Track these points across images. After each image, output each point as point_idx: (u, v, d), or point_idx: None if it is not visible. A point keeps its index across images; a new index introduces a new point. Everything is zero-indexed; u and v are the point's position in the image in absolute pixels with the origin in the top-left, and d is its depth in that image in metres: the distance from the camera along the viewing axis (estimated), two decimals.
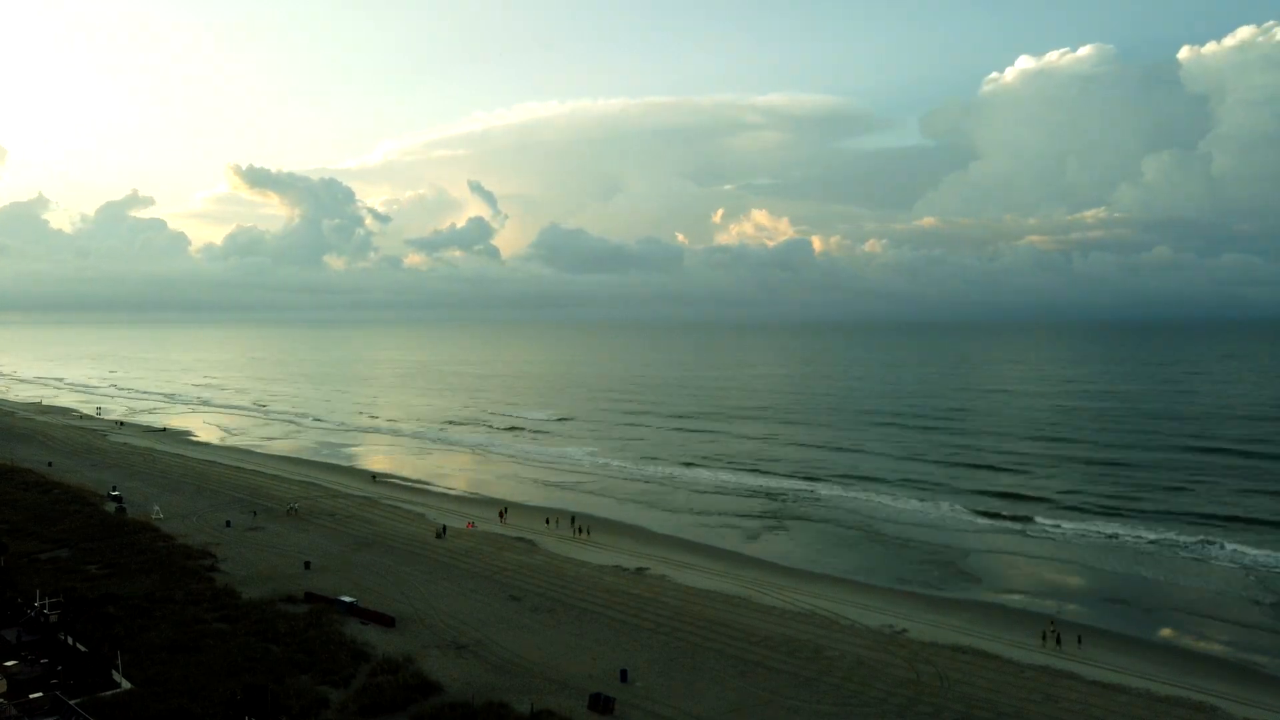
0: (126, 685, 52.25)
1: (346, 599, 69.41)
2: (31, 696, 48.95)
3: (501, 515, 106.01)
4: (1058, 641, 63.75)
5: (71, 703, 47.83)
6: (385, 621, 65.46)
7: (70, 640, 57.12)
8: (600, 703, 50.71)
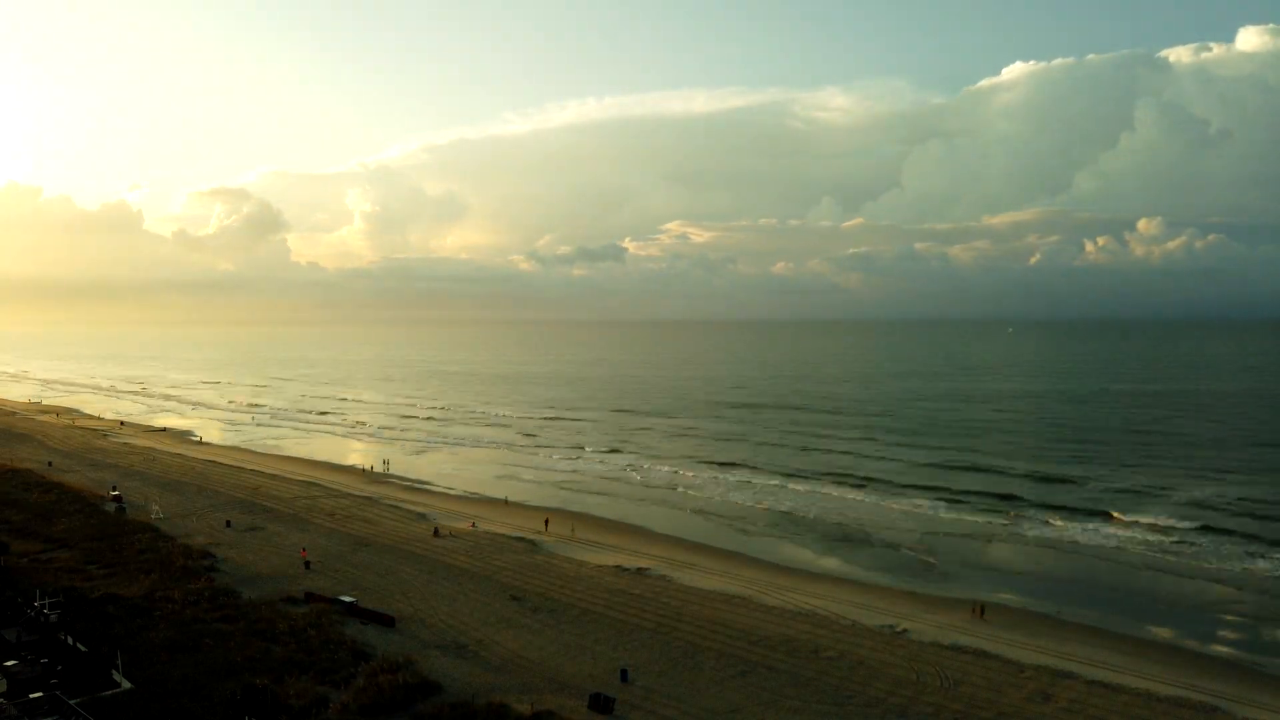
0: (126, 685, 52.23)
1: (346, 599, 69.40)
2: (31, 696, 48.88)
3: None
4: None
5: (71, 703, 47.79)
6: (385, 621, 65.44)
7: (70, 640, 57.08)
8: (600, 703, 50.69)
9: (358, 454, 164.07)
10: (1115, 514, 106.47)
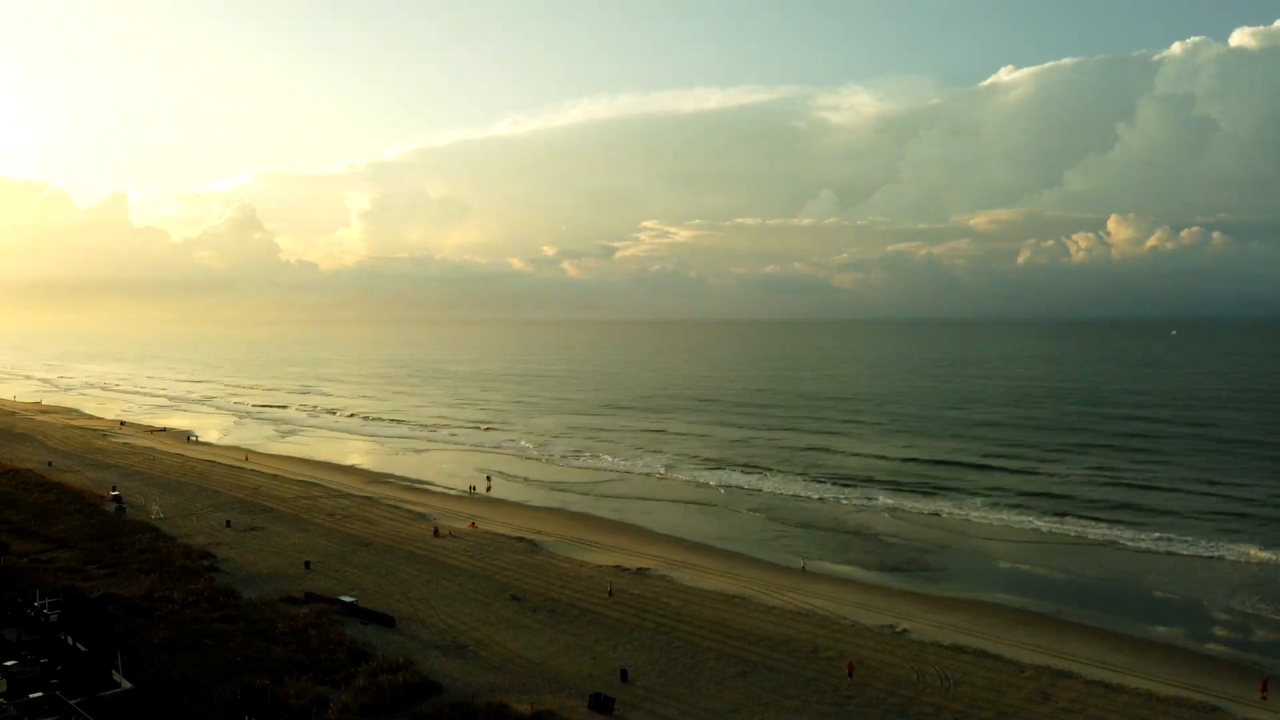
0: (126, 685, 52.26)
1: (346, 599, 69.42)
2: (31, 696, 48.91)
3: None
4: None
5: (71, 703, 47.83)
6: (385, 621, 65.46)
7: (70, 640, 57.12)
8: (600, 703, 50.72)
9: (358, 454, 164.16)
10: (1117, 514, 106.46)
